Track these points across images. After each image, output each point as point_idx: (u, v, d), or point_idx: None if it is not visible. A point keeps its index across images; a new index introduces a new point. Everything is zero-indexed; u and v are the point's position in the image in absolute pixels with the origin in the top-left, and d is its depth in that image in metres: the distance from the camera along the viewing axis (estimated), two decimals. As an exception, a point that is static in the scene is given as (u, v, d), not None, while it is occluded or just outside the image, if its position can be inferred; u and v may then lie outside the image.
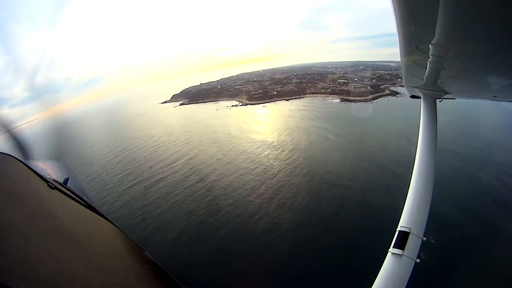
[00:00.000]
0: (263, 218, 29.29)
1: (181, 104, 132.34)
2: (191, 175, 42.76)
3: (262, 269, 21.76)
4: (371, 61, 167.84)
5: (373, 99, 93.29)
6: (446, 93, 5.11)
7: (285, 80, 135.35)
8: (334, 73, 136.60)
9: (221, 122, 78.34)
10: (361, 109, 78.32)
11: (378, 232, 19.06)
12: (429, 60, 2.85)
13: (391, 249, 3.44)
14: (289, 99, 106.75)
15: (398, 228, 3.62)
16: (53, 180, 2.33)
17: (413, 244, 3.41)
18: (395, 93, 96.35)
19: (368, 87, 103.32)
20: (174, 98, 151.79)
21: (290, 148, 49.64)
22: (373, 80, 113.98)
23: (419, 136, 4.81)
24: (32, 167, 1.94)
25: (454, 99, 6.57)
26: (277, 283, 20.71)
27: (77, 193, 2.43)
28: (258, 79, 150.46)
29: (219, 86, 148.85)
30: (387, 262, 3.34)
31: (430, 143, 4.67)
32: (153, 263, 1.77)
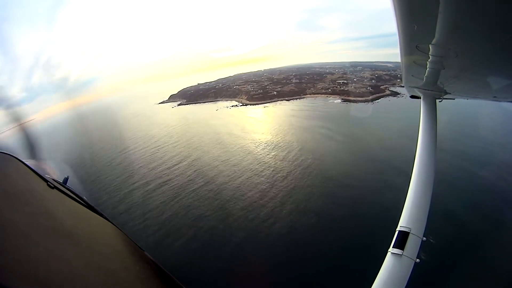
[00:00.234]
0: (277, 223, 27.92)
1: (179, 105, 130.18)
2: (196, 177, 41.05)
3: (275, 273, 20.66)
4: (369, 62, 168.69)
5: (374, 99, 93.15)
6: (446, 93, 5.13)
7: (284, 80, 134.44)
8: (332, 74, 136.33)
9: (223, 123, 76.73)
10: (364, 110, 78.06)
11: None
12: (429, 60, 2.85)
13: (391, 249, 3.41)
14: (290, 99, 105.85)
15: (398, 228, 3.60)
16: (53, 179, 2.31)
17: (413, 244, 3.39)
18: (395, 94, 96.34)
19: (369, 88, 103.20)
20: (172, 98, 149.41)
21: (297, 148, 48.39)
22: (373, 81, 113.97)
23: (419, 136, 4.79)
24: (31, 167, 1.94)
25: (454, 99, 6.51)
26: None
27: (77, 192, 2.41)
28: (256, 79, 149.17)
29: (217, 86, 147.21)
30: (387, 262, 3.31)
31: (430, 143, 4.64)
32: (153, 263, 1.75)
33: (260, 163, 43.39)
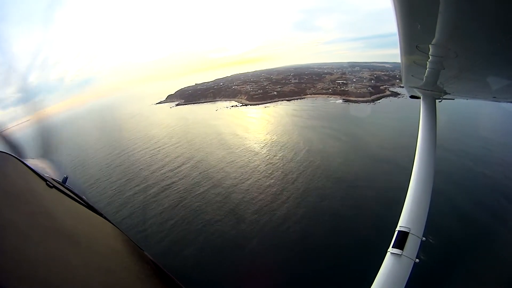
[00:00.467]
0: (291, 227, 26.51)
1: (177, 105, 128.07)
2: (202, 180, 39.29)
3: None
4: (366, 62, 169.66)
5: (376, 100, 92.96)
6: (446, 93, 5.12)
7: (283, 81, 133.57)
8: (331, 74, 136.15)
9: (224, 123, 75.08)
10: (366, 110, 77.62)
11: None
12: (429, 60, 2.86)
13: (390, 249, 3.38)
14: (291, 100, 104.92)
15: (398, 228, 3.57)
16: (52, 179, 2.30)
17: (412, 244, 3.36)
18: (395, 94, 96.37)
19: (369, 88, 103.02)
20: (169, 98, 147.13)
21: (305, 149, 47.10)
22: (372, 81, 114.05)
23: (418, 137, 4.75)
24: (30, 166, 1.92)
25: (454, 99, 6.47)
26: None
27: (76, 192, 2.40)
28: (255, 79, 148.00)
29: (215, 87, 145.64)
30: (387, 262, 3.28)
31: (429, 143, 4.63)
32: (153, 263, 1.74)
33: (268, 164, 41.96)
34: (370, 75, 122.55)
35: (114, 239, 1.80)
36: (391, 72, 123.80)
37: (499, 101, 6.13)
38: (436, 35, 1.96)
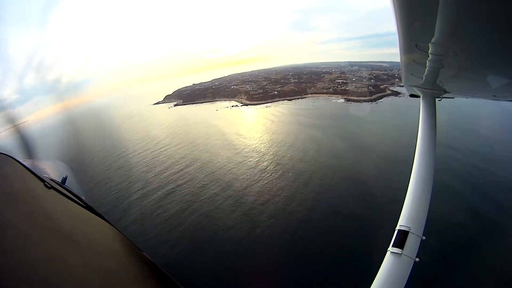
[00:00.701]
0: (308, 237, 25.06)
1: (175, 105, 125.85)
2: (209, 183, 37.62)
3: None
4: (364, 62, 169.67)
5: (377, 99, 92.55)
6: (446, 92, 5.07)
7: (283, 80, 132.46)
8: (330, 73, 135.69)
9: (227, 123, 73.43)
10: (369, 109, 77.04)
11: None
12: (428, 59, 2.84)
13: (390, 248, 3.34)
14: (291, 99, 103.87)
15: (397, 227, 3.52)
16: (51, 179, 2.28)
17: (412, 243, 3.32)
18: (396, 93, 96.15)
19: (369, 87, 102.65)
20: (167, 99, 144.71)
21: (314, 149, 45.85)
22: (372, 80, 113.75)
23: (418, 136, 4.70)
24: (28, 167, 1.92)
25: (453, 98, 6.51)
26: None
27: (76, 192, 2.36)
28: (253, 79, 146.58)
29: (213, 87, 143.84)
30: (386, 261, 3.25)
31: (429, 142, 4.58)
32: (151, 263, 1.75)
33: (277, 165, 40.55)
34: (369, 75, 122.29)
35: (112, 240, 1.77)
36: (389, 71, 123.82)
37: (499, 100, 6.11)
38: (436, 34, 1.97)
